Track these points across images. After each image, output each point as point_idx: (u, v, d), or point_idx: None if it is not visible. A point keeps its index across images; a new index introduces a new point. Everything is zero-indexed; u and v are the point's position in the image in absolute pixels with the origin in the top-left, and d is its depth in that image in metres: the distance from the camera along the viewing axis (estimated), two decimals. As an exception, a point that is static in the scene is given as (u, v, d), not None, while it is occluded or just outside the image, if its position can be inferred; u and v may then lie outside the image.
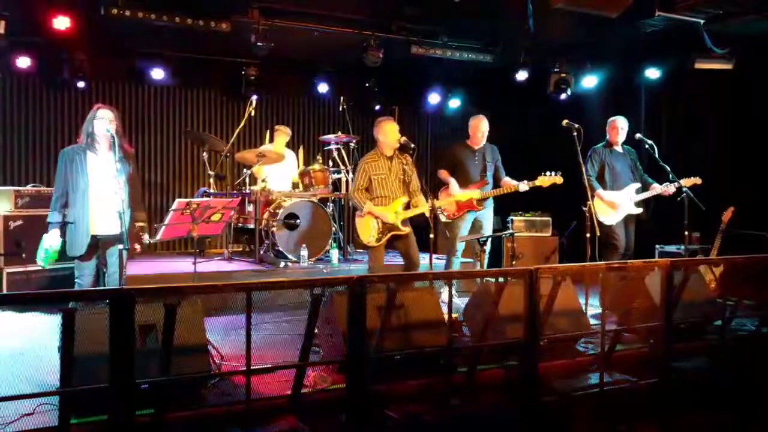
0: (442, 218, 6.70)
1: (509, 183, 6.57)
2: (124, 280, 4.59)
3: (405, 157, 5.68)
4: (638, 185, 6.62)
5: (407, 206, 5.68)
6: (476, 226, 6.75)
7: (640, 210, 6.62)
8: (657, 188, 6.55)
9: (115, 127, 4.62)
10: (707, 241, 7.04)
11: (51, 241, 4.56)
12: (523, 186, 6.34)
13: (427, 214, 5.44)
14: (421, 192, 5.74)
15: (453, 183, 6.60)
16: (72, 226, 4.59)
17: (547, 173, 6.23)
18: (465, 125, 7.27)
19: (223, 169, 8.62)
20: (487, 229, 6.81)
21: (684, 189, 6.31)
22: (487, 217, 6.80)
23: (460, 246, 6.73)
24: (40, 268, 6.23)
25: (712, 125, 8.00)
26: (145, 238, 4.89)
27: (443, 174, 6.75)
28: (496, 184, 6.70)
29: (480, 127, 6.73)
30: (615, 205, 6.53)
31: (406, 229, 5.69)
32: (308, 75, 9.67)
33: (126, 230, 4.37)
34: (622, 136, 6.70)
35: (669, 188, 6.48)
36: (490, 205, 6.83)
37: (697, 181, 6.40)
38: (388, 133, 5.68)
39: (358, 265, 7.65)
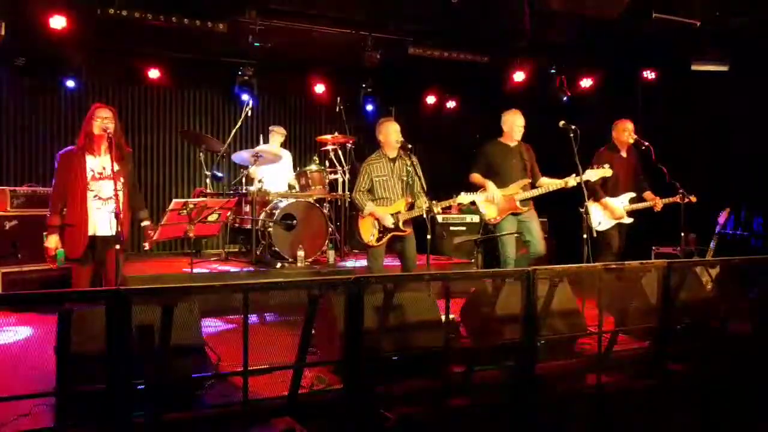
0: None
1: (554, 181, 6.10)
2: (121, 281, 4.58)
3: (409, 158, 5.66)
4: (633, 194, 6.56)
5: (410, 207, 5.67)
6: (526, 230, 6.16)
7: (631, 220, 6.57)
8: (649, 199, 6.52)
9: (113, 127, 4.62)
10: (703, 243, 7.05)
11: (51, 245, 4.54)
12: (572, 181, 5.95)
13: (425, 216, 5.44)
14: (423, 193, 5.71)
15: (490, 185, 6.05)
16: (71, 228, 4.58)
17: (594, 167, 6.04)
18: (461, 126, 7.24)
19: (219, 169, 8.61)
20: (538, 230, 6.20)
21: (679, 199, 6.33)
22: (532, 219, 6.21)
23: (511, 252, 6.15)
24: (35, 268, 6.29)
25: (709, 126, 8.01)
26: (154, 234, 4.89)
27: (476, 178, 6.18)
28: (533, 185, 6.16)
29: (516, 122, 6.20)
30: (615, 212, 6.48)
31: (407, 230, 5.69)
32: (305, 75, 9.67)
33: (121, 230, 4.36)
34: (630, 137, 6.61)
35: (659, 204, 6.44)
36: (531, 206, 6.24)
37: (693, 199, 6.38)
38: (388, 133, 5.68)
39: (355, 266, 7.65)
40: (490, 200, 6.03)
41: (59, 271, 5.05)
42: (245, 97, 8.79)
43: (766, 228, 6.94)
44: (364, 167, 5.77)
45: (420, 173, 5.64)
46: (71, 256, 4.60)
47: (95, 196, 4.63)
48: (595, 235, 5.77)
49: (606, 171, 6.07)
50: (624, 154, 6.63)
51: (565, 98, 8.75)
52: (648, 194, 6.57)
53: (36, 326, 5.09)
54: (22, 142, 8.58)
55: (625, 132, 6.56)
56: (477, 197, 6.01)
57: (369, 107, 10.06)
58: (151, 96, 9.35)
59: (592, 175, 6.02)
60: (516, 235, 6.15)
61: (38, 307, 4.68)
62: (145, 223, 4.91)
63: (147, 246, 4.88)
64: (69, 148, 4.75)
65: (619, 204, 6.49)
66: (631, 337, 5.08)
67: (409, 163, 5.67)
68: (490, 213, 6.09)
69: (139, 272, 6.82)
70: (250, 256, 7.63)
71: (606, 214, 6.48)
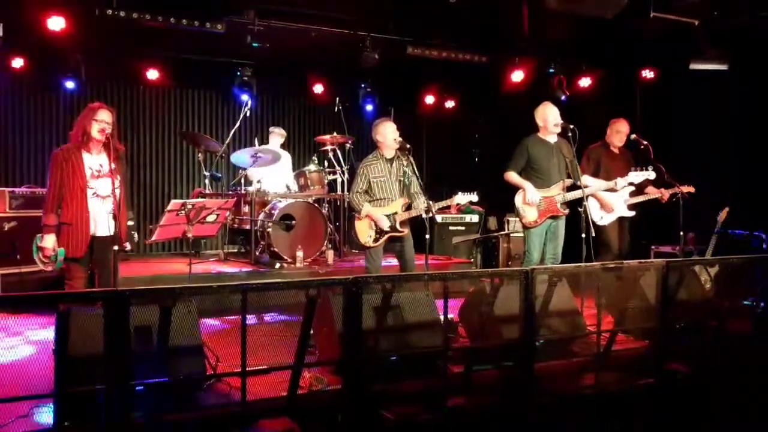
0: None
1: (601, 182, 6.03)
2: (118, 281, 4.57)
3: (407, 158, 5.65)
4: (632, 188, 6.54)
5: (408, 208, 5.66)
6: (551, 233, 5.94)
7: (632, 213, 6.56)
8: (653, 192, 6.50)
9: (111, 128, 4.60)
10: (703, 242, 7.05)
11: (49, 244, 4.51)
12: (622, 182, 5.97)
13: (424, 216, 5.43)
14: (422, 193, 5.70)
15: (528, 186, 5.82)
16: (69, 227, 4.53)
17: (637, 169, 6.00)
18: (460, 126, 7.12)
19: (218, 170, 8.62)
20: (562, 236, 5.97)
21: (678, 194, 6.32)
22: (562, 221, 5.97)
23: (537, 258, 5.93)
24: (34, 269, 6.27)
25: (707, 126, 8.01)
26: (135, 236, 4.89)
27: (512, 178, 5.91)
28: (574, 185, 5.88)
29: (551, 114, 5.88)
30: (609, 205, 6.47)
31: (404, 231, 5.67)
32: (304, 76, 9.66)
33: (119, 230, 4.36)
34: (621, 139, 6.61)
35: (665, 194, 6.40)
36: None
37: (691, 189, 6.38)
38: (386, 133, 5.66)
39: (353, 266, 7.64)
40: (529, 203, 5.84)
41: (58, 272, 5.03)
42: (245, 97, 8.78)
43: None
44: (361, 168, 5.74)
45: (417, 173, 5.62)
46: (72, 256, 4.55)
47: (94, 194, 4.59)
48: (593, 234, 5.72)
49: (650, 173, 5.99)
50: (616, 150, 6.62)
51: (563, 97, 8.73)
52: (650, 188, 6.53)
53: (34, 327, 5.09)
54: (21, 143, 8.59)
55: (618, 134, 6.55)
56: (516, 200, 5.91)
57: (368, 107, 10.07)
58: (149, 96, 9.36)
59: (636, 177, 5.97)
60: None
61: (37, 308, 4.69)
62: (129, 223, 4.89)
63: (128, 247, 4.84)
64: (64, 145, 4.68)
65: (620, 198, 6.46)
66: (630, 336, 5.08)
67: (406, 163, 5.66)
68: (529, 216, 5.85)
69: (138, 273, 6.82)
70: (249, 256, 7.63)
71: (602, 210, 6.48)
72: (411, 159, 5.63)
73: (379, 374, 3.86)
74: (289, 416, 3.58)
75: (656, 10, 6.67)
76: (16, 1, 6.75)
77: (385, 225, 5.58)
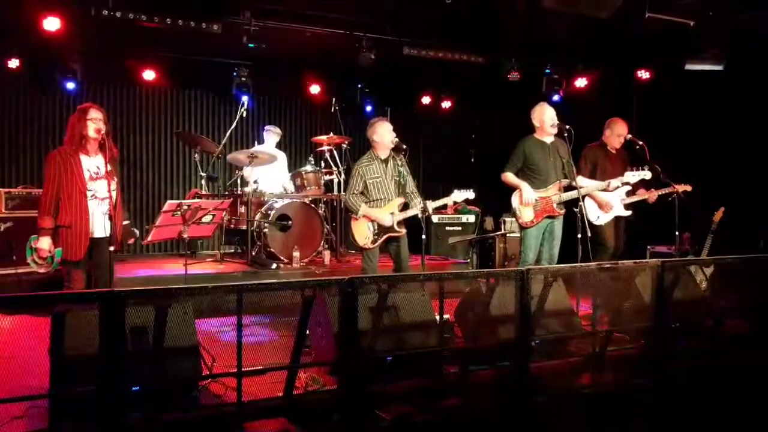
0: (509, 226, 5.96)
1: (597, 183, 6.03)
2: (114, 282, 4.56)
3: (399, 158, 5.65)
4: (628, 187, 6.55)
5: (403, 207, 5.66)
6: (548, 233, 5.96)
7: (629, 212, 6.56)
8: (642, 193, 6.52)
9: (105, 127, 4.59)
10: (698, 242, 7.07)
11: (45, 246, 4.50)
12: (615, 182, 5.98)
13: (420, 216, 5.43)
14: (417, 193, 5.70)
15: (525, 186, 5.85)
16: (68, 229, 4.53)
17: (633, 169, 5.99)
18: (457, 126, 7.02)
19: (215, 170, 8.61)
20: (559, 236, 5.99)
21: (673, 194, 6.32)
22: (559, 222, 5.99)
23: (532, 258, 5.91)
24: (30, 270, 6.26)
25: (703, 126, 8.03)
26: (136, 231, 4.88)
27: (509, 178, 5.94)
28: (570, 185, 5.90)
29: (548, 115, 5.89)
30: (607, 205, 6.47)
31: (402, 231, 5.67)
32: (300, 76, 9.66)
33: (114, 231, 4.36)
34: (621, 141, 6.60)
35: (653, 195, 6.41)
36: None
37: (687, 188, 6.39)
38: (383, 133, 5.65)
39: (350, 266, 7.64)
40: (525, 203, 5.85)
41: (54, 273, 5.02)
42: (244, 98, 8.77)
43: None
44: (356, 169, 5.72)
45: (410, 173, 5.63)
46: (72, 258, 4.54)
47: (93, 196, 4.59)
48: (589, 234, 5.72)
49: (646, 173, 5.98)
50: (613, 150, 6.63)
51: (556, 97, 8.74)
52: (641, 189, 6.55)
53: (30, 328, 5.07)
54: (17, 144, 8.56)
55: (619, 138, 6.53)
56: (513, 200, 5.92)
57: (365, 108, 10.07)
58: (146, 97, 9.35)
59: (632, 177, 5.98)
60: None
61: (32, 309, 4.68)
62: (126, 222, 4.89)
63: (131, 241, 4.85)
64: (61, 147, 4.66)
65: (617, 197, 6.46)
66: (625, 336, 5.09)
67: (400, 163, 5.66)
68: (526, 216, 5.87)
69: (134, 274, 6.81)
70: (245, 257, 7.63)
71: (598, 209, 6.48)
72: (404, 159, 5.64)
73: (375, 374, 3.86)
74: (285, 417, 3.58)
75: (652, 11, 6.68)
76: (12, 1, 6.73)
77: (388, 221, 5.56)
